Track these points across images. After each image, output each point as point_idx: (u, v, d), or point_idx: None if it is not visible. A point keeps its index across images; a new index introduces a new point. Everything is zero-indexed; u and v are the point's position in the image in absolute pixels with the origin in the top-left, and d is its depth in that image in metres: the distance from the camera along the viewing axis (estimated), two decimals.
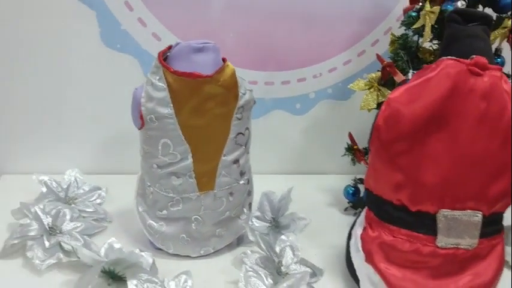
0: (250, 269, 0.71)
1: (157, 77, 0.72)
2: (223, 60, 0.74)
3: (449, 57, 0.62)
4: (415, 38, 0.89)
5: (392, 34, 0.93)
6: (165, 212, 0.78)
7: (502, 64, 0.87)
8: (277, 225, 0.91)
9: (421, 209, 0.64)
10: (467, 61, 0.61)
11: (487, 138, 0.61)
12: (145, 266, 0.72)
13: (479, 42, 0.65)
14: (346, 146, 0.99)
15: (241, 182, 0.81)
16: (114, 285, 0.71)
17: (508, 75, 0.84)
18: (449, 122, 0.62)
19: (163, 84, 0.71)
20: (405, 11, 0.89)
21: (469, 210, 0.63)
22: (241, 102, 0.75)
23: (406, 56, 0.88)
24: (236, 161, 0.78)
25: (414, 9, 0.86)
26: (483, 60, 0.61)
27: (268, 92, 1.11)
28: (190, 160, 0.75)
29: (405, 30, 0.89)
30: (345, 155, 0.99)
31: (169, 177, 0.76)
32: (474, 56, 0.61)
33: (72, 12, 0.97)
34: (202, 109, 0.73)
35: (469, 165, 0.62)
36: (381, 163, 0.67)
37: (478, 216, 0.63)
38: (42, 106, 1.04)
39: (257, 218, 0.91)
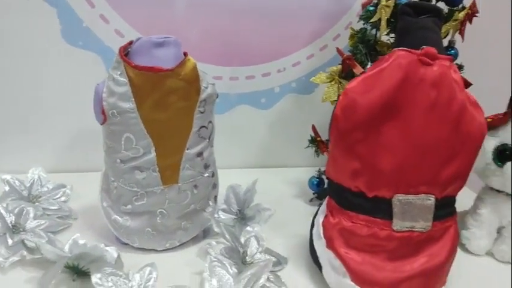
0: (215, 259, 0.72)
1: (119, 72, 0.72)
2: (185, 54, 0.75)
3: (401, 48, 0.64)
4: (373, 31, 0.91)
5: (351, 28, 0.95)
6: (129, 206, 0.78)
7: (456, 55, 0.90)
8: (243, 217, 0.92)
9: (378, 195, 0.66)
10: (418, 52, 0.63)
11: (437, 126, 0.63)
12: (109, 260, 0.71)
13: (430, 34, 0.67)
14: (310, 138, 1.01)
15: (206, 175, 0.81)
16: (78, 281, 0.71)
17: (460, 66, 0.88)
18: (402, 110, 0.63)
19: (124, 79, 0.71)
20: (363, 6, 0.92)
21: (422, 194, 0.66)
22: (203, 95, 0.76)
23: (364, 49, 0.90)
24: (200, 154, 0.79)
25: (372, 4, 0.88)
26: (432, 50, 0.63)
27: (233, 87, 1.12)
28: (153, 154, 0.75)
29: (363, 24, 0.91)
30: (308, 146, 1.01)
31: (132, 172, 0.76)
32: (424, 46, 0.63)
33: (32, 9, 0.96)
34: (164, 103, 0.73)
35: (421, 152, 0.64)
36: (339, 152, 0.69)
37: (431, 200, 0.66)
38: (3, 105, 1.03)
39: (223, 210, 0.92)
